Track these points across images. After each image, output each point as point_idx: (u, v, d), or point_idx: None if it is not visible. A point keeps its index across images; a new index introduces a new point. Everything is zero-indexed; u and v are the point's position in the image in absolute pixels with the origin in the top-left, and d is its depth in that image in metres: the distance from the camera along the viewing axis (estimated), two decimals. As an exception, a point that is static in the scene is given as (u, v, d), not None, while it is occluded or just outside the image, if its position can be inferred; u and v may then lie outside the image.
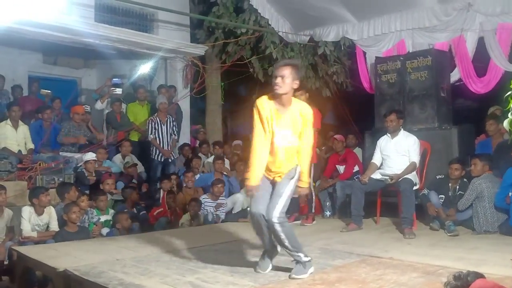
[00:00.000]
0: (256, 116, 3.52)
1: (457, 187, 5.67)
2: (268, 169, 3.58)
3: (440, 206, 5.54)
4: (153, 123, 7.77)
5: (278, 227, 3.41)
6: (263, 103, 3.52)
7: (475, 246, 4.66)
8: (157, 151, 7.76)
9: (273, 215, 3.39)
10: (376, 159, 5.84)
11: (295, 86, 3.45)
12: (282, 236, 3.44)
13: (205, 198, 6.65)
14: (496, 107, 6.47)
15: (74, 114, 7.63)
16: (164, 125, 7.82)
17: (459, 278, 2.29)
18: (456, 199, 5.56)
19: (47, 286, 4.46)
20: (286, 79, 3.39)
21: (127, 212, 5.98)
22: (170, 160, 7.88)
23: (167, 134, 7.83)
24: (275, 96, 3.48)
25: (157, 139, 7.74)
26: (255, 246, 4.36)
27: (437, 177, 5.87)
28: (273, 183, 3.60)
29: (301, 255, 3.50)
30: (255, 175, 3.52)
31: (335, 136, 7.27)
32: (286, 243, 3.47)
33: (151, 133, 7.74)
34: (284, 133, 3.52)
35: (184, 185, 7.12)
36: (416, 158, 5.60)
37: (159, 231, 5.77)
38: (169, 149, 7.87)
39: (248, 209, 3.64)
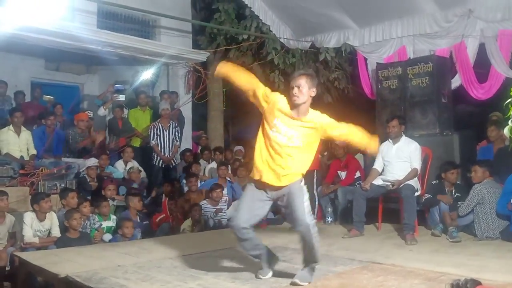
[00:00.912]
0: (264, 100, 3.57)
1: (453, 189, 5.72)
2: (268, 167, 3.44)
3: (447, 211, 5.54)
4: (155, 129, 7.78)
5: (314, 230, 3.38)
6: (280, 98, 3.52)
7: (476, 252, 4.66)
8: (159, 157, 7.77)
9: (308, 219, 3.36)
10: (378, 165, 5.84)
11: (312, 94, 3.49)
12: (316, 239, 3.40)
13: (204, 204, 6.64)
14: (497, 113, 6.47)
15: (79, 122, 7.61)
16: (166, 131, 7.83)
17: (458, 286, 2.29)
18: (455, 201, 5.59)
19: (48, 292, 4.46)
20: (302, 88, 3.43)
21: (131, 220, 5.95)
22: (171, 166, 7.87)
23: (169, 140, 7.83)
24: (293, 105, 3.48)
25: (159, 145, 7.75)
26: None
27: (433, 182, 5.88)
28: (275, 193, 3.49)
29: (318, 262, 3.51)
30: None
31: (337, 142, 7.25)
32: (317, 247, 3.44)
33: (153, 139, 7.75)
34: (289, 133, 3.46)
35: (187, 189, 7.10)
36: (417, 164, 5.61)
37: (160, 237, 5.76)
38: (171, 155, 7.88)
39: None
